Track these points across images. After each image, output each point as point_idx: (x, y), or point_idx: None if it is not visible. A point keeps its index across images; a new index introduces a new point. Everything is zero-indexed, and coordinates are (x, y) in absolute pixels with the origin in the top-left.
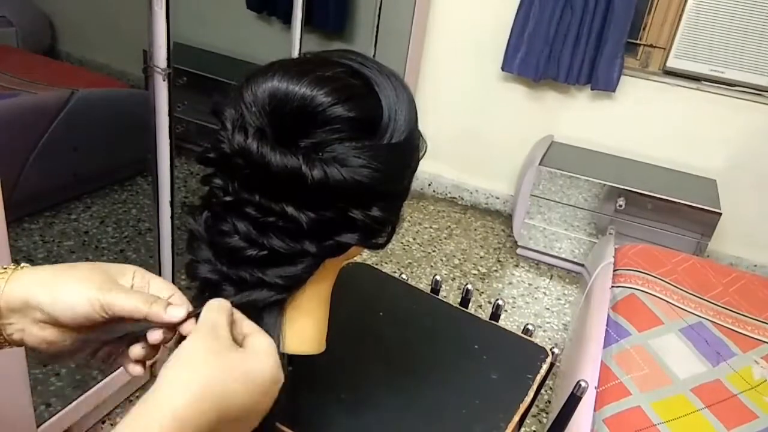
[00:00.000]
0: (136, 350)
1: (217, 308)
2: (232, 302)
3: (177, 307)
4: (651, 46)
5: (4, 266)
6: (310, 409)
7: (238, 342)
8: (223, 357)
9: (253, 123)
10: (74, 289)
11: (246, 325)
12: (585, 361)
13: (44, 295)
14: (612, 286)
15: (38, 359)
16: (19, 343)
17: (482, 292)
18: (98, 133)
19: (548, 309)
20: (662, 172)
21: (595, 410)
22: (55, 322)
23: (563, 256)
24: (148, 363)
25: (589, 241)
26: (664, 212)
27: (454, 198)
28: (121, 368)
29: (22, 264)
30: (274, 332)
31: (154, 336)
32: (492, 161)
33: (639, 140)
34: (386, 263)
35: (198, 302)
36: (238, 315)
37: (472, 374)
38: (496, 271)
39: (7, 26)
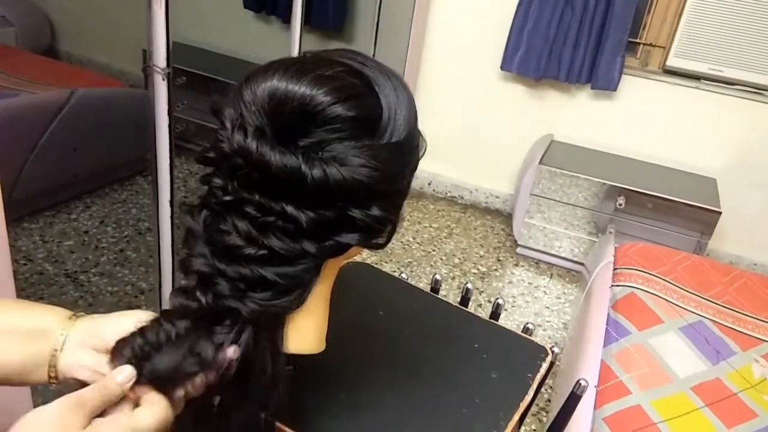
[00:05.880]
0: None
1: (99, 387)
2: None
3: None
4: (651, 45)
5: (76, 314)
6: (310, 409)
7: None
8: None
9: (253, 122)
10: (138, 316)
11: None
12: (585, 360)
13: (110, 320)
14: (612, 285)
15: None
16: (63, 373)
17: (482, 291)
18: (98, 133)
19: (548, 308)
20: (662, 170)
21: (595, 409)
22: (101, 348)
23: (563, 255)
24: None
25: (589, 240)
26: (664, 211)
27: (453, 197)
28: None
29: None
30: (275, 332)
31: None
32: (492, 160)
33: (639, 139)
34: (386, 262)
35: (191, 295)
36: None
37: (472, 373)
38: (496, 270)
39: (7, 26)
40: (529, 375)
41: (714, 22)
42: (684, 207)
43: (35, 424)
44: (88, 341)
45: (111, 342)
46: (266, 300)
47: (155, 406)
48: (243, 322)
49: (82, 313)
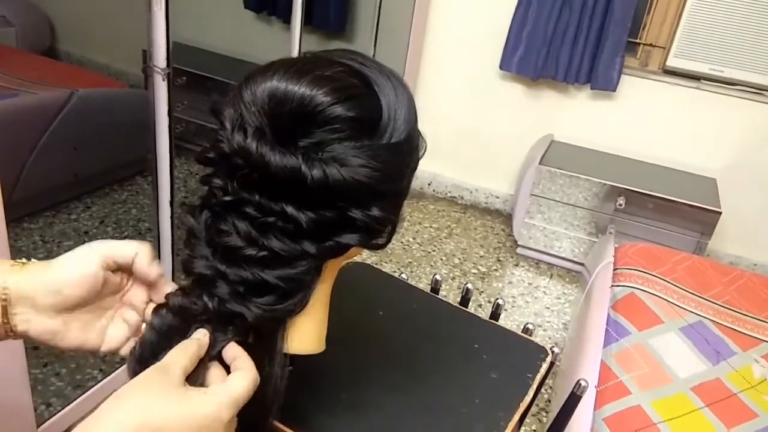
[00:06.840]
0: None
1: (181, 348)
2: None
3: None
4: (651, 45)
5: (22, 261)
6: (310, 409)
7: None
8: (165, 393)
9: (253, 123)
10: (83, 250)
11: (236, 363)
12: (585, 360)
13: (57, 265)
14: (612, 285)
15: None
16: (23, 335)
17: (482, 292)
18: (98, 133)
19: (548, 308)
20: (662, 171)
21: (595, 409)
22: (61, 306)
23: (563, 255)
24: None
25: (589, 240)
26: (664, 211)
27: (454, 197)
28: (122, 368)
29: (33, 260)
30: (275, 332)
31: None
32: (492, 160)
33: (639, 139)
34: (386, 263)
35: (192, 296)
36: (230, 353)
37: (472, 373)
38: (496, 270)
39: (7, 26)
40: (529, 375)
41: (714, 22)
42: (684, 207)
43: (127, 392)
44: (45, 301)
45: (70, 296)
46: (270, 305)
47: (246, 371)
48: (246, 330)
49: (24, 260)
